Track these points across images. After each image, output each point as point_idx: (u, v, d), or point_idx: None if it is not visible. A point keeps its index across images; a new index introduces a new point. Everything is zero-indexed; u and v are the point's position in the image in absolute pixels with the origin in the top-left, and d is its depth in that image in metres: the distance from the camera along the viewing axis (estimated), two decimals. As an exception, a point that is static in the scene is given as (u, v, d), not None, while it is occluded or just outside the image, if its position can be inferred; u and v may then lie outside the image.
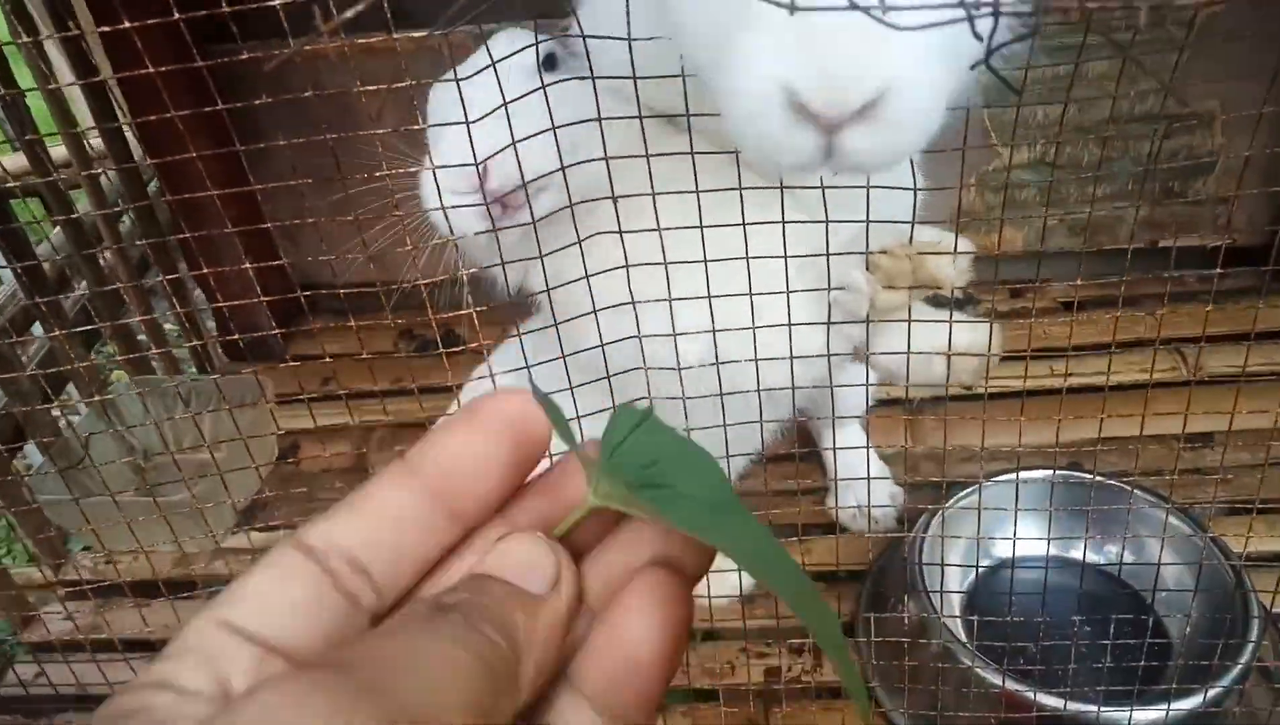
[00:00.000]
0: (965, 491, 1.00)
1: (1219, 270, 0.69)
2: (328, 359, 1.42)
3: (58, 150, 1.41)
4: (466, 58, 0.75)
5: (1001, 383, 1.23)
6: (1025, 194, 1.43)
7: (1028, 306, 1.42)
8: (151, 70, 0.60)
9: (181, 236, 1.25)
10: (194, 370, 1.50)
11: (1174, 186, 1.41)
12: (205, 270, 0.81)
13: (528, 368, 0.65)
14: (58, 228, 1.32)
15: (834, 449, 1.15)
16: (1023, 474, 0.96)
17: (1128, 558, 0.97)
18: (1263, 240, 1.37)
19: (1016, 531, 0.95)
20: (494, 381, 0.77)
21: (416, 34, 0.60)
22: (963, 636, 0.94)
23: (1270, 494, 0.91)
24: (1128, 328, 1.30)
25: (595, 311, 0.62)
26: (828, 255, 0.60)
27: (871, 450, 1.16)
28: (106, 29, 0.64)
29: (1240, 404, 0.74)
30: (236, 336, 0.83)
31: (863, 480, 1.01)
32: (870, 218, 0.57)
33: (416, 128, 0.73)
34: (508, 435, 0.30)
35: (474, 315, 0.67)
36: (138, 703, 0.24)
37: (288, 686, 0.22)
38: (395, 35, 0.57)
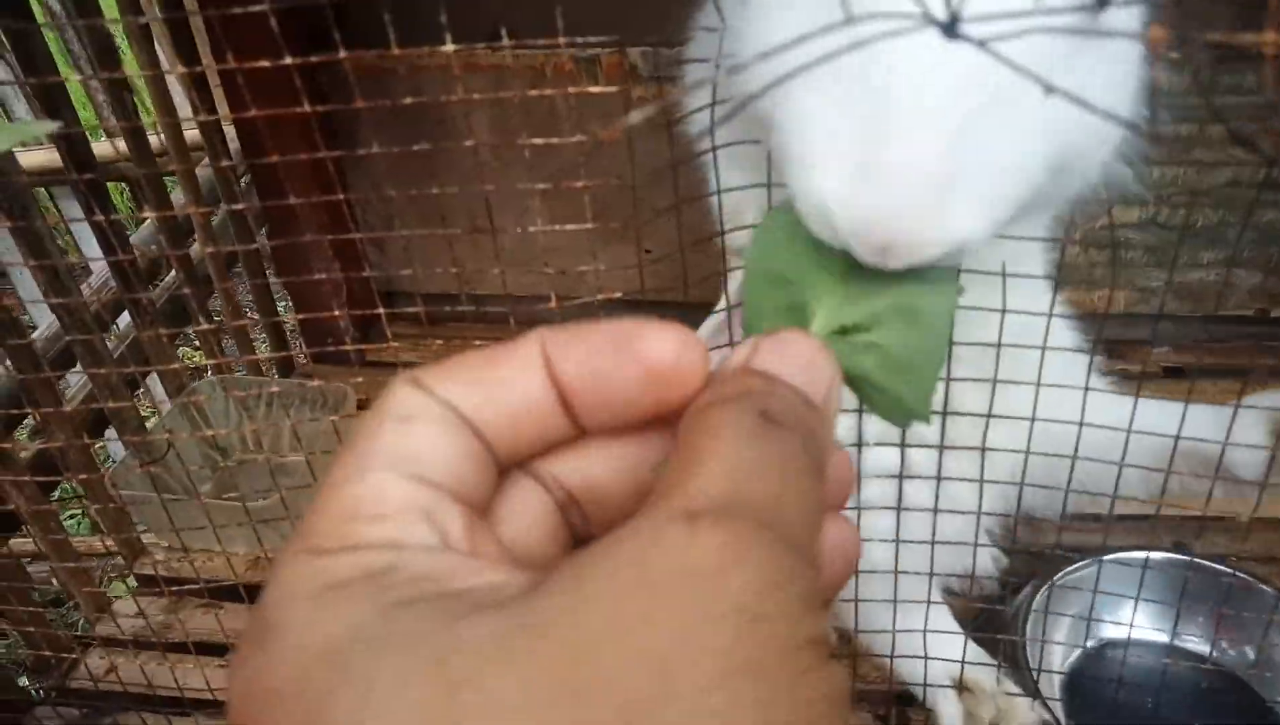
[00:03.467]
0: (1080, 563, 0.95)
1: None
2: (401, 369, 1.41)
3: (153, 138, 1.41)
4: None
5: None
6: (1131, 254, 1.39)
7: (1127, 368, 1.38)
8: (260, 64, 0.58)
9: (274, 243, 1.24)
10: (274, 370, 1.50)
11: (1291, 256, 1.36)
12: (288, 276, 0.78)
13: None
14: (148, 220, 1.31)
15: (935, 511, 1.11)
16: (1139, 556, 0.92)
17: (1254, 659, 0.93)
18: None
19: (1124, 613, 0.92)
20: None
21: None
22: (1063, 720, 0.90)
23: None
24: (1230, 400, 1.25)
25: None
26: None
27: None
28: (213, 12, 0.61)
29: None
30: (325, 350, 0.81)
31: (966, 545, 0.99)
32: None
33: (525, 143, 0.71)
34: (652, 382, 0.27)
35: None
36: (378, 563, 0.23)
37: (724, 535, 0.21)
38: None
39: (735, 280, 0.38)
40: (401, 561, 0.23)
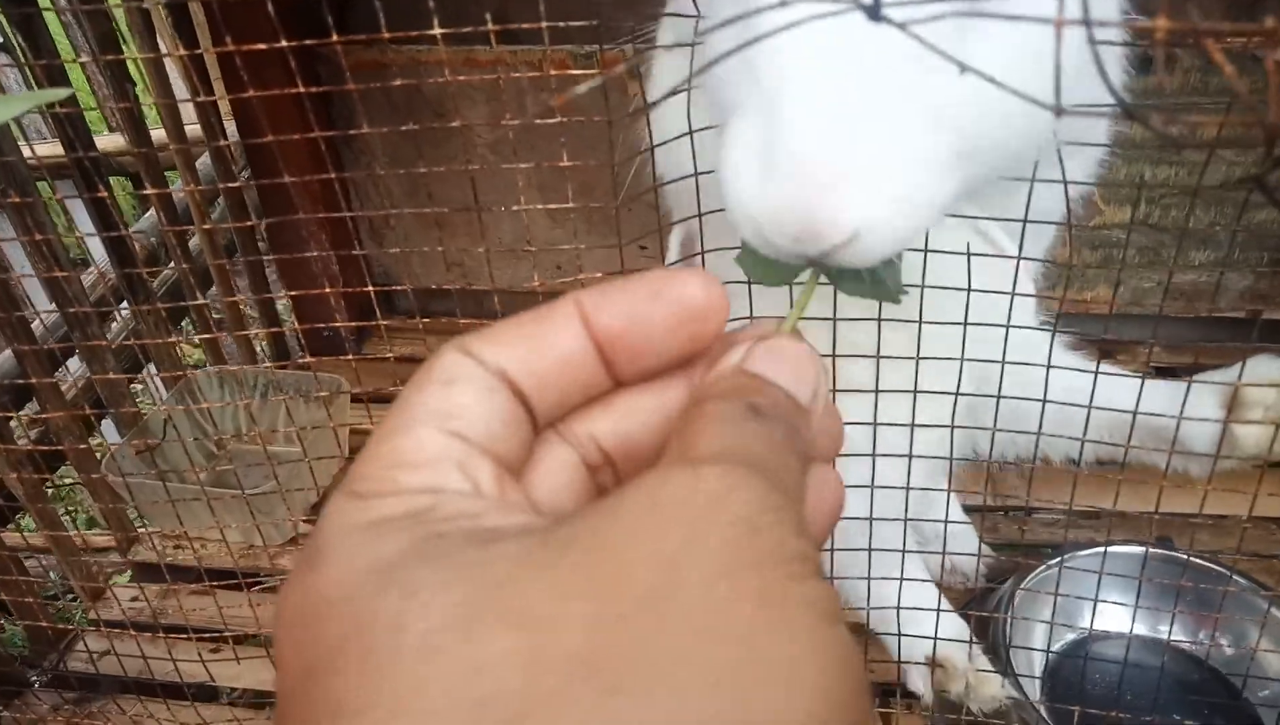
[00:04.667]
0: (1056, 560, 0.96)
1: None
2: (393, 359, 1.43)
3: (155, 132, 1.43)
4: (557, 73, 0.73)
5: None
6: (1123, 253, 1.40)
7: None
8: (259, 47, 0.59)
9: (267, 221, 1.26)
10: (269, 362, 1.51)
11: (1281, 258, 1.36)
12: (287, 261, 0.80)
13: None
14: (150, 210, 1.33)
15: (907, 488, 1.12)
16: (1115, 549, 0.93)
17: (1220, 643, 0.94)
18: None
19: (1102, 606, 0.93)
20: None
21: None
22: (1043, 710, 0.91)
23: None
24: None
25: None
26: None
27: (954, 497, 1.14)
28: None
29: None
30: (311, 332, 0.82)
31: (947, 529, 1.00)
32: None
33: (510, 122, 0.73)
34: (687, 320, 0.30)
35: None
36: (418, 504, 0.25)
37: (723, 469, 0.24)
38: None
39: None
40: (440, 502, 0.25)
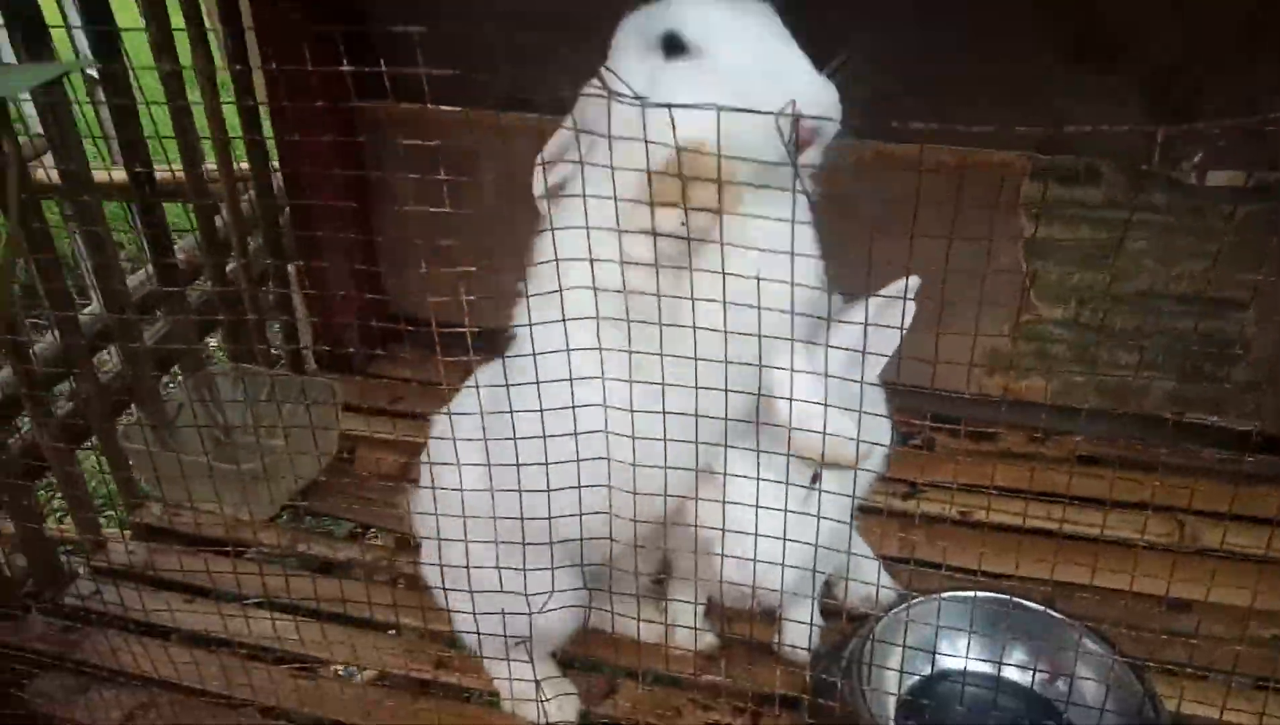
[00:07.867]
0: (900, 607, 1.08)
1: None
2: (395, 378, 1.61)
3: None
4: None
5: (1002, 517, 1.31)
6: (1057, 348, 1.50)
7: (1044, 452, 1.48)
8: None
9: (299, 264, 1.47)
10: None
11: (1205, 367, 1.45)
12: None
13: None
14: (195, 231, 1.54)
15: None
16: (946, 594, 1.06)
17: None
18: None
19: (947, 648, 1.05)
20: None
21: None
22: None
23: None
24: (1132, 490, 1.33)
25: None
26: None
27: (857, 535, 1.23)
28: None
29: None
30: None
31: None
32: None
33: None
34: None
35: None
36: None
37: None
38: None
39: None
40: None
